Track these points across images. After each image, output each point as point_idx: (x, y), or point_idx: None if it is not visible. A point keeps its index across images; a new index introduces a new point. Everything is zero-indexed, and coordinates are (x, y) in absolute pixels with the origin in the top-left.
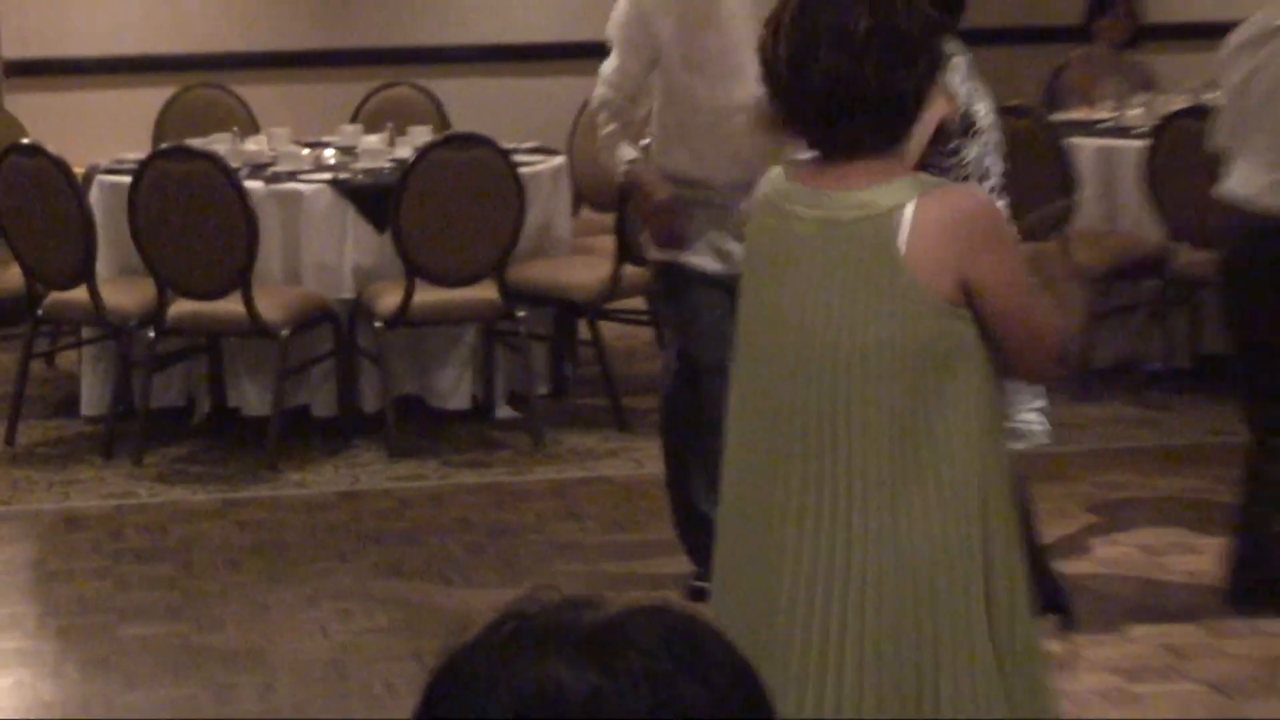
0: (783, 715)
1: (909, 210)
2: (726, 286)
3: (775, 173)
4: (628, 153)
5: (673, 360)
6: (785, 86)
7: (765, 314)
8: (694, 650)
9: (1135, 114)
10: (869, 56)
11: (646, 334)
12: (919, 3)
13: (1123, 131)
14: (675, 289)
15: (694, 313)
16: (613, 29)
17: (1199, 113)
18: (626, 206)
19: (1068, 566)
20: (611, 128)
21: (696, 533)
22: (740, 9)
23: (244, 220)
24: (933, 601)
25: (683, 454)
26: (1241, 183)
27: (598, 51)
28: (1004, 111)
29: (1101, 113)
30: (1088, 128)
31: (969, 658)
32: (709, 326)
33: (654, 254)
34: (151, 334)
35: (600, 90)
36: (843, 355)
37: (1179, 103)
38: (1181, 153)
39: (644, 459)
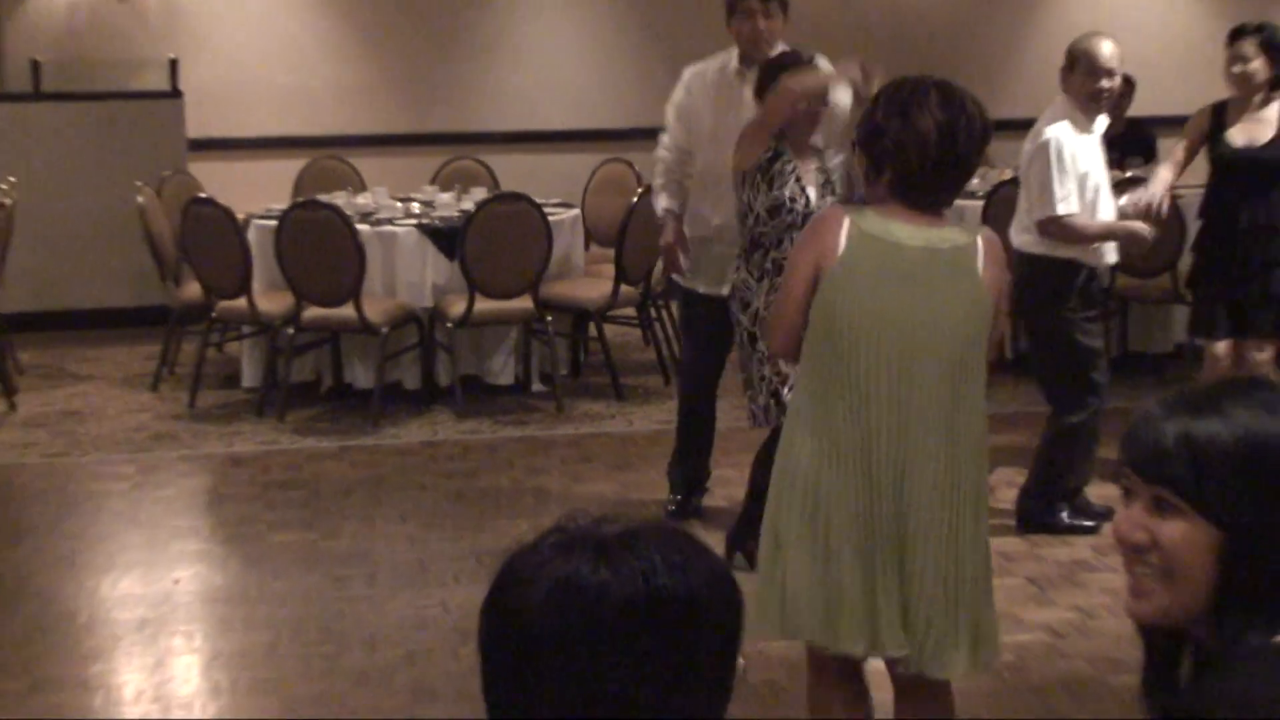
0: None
1: (980, 244)
2: (718, 303)
3: (864, 212)
4: (663, 201)
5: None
6: (934, 160)
7: (867, 307)
8: (681, 556)
9: (975, 184)
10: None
11: (636, 333)
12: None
13: (970, 194)
14: (682, 305)
15: (689, 322)
16: (670, 107)
17: (1016, 183)
18: (624, 244)
19: None
20: (660, 181)
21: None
22: (751, 99)
23: (355, 252)
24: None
25: (688, 415)
26: (1015, 234)
27: (604, 136)
28: None
29: None
30: None
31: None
32: (700, 331)
33: (674, 278)
34: (290, 330)
35: (658, 152)
36: (945, 341)
37: (1005, 175)
38: (1006, 210)
39: (634, 419)
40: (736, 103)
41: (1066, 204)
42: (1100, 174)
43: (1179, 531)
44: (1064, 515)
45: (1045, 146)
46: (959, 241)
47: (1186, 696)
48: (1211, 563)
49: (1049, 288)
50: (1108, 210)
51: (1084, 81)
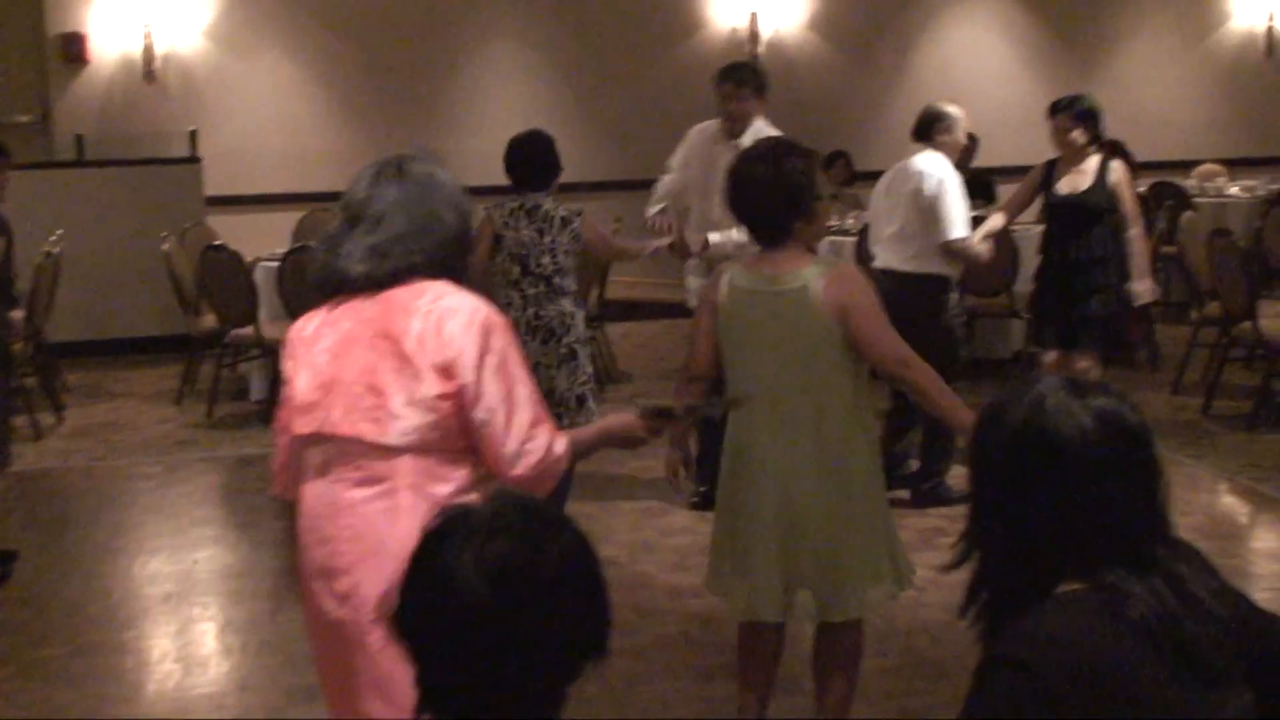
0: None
1: (823, 280)
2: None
3: (738, 267)
4: (654, 209)
5: None
6: (731, 207)
7: (738, 340)
8: (549, 528)
9: (850, 223)
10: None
11: None
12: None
13: (844, 232)
14: None
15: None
16: (675, 155)
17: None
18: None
19: None
20: (658, 205)
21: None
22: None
23: None
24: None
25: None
26: (885, 257)
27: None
28: None
29: (833, 221)
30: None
31: None
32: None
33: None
34: None
35: (661, 179)
36: (798, 360)
37: None
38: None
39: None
40: (717, 163)
41: (961, 228)
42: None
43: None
44: (951, 488)
45: (944, 184)
46: (803, 280)
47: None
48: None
49: (930, 298)
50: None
51: (954, 138)
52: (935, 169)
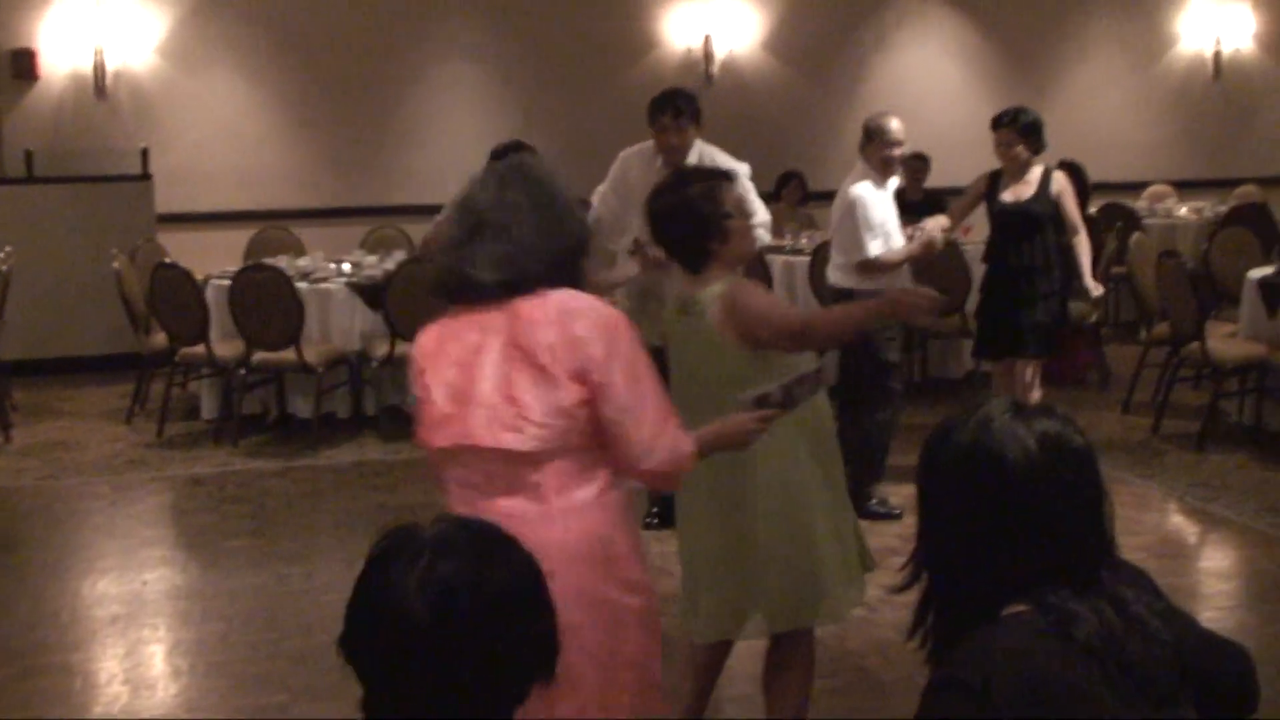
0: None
1: (717, 299)
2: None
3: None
4: (622, 242)
5: None
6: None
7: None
8: (495, 550)
9: (804, 243)
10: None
11: None
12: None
13: (797, 251)
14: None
15: None
16: (606, 183)
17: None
18: None
19: None
20: (628, 238)
21: None
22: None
23: (295, 305)
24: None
25: None
26: (830, 273)
27: None
28: None
29: (786, 241)
30: (779, 250)
31: None
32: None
33: None
34: (242, 371)
35: (595, 206)
36: (707, 373)
37: (826, 237)
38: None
39: None
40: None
41: (874, 247)
42: (894, 222)
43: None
44: (873, 504)
45: (853, 205)
46: (705, 298)
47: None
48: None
49: None
50: (899, 245)
51: (878, 150)
52: (852, 186)
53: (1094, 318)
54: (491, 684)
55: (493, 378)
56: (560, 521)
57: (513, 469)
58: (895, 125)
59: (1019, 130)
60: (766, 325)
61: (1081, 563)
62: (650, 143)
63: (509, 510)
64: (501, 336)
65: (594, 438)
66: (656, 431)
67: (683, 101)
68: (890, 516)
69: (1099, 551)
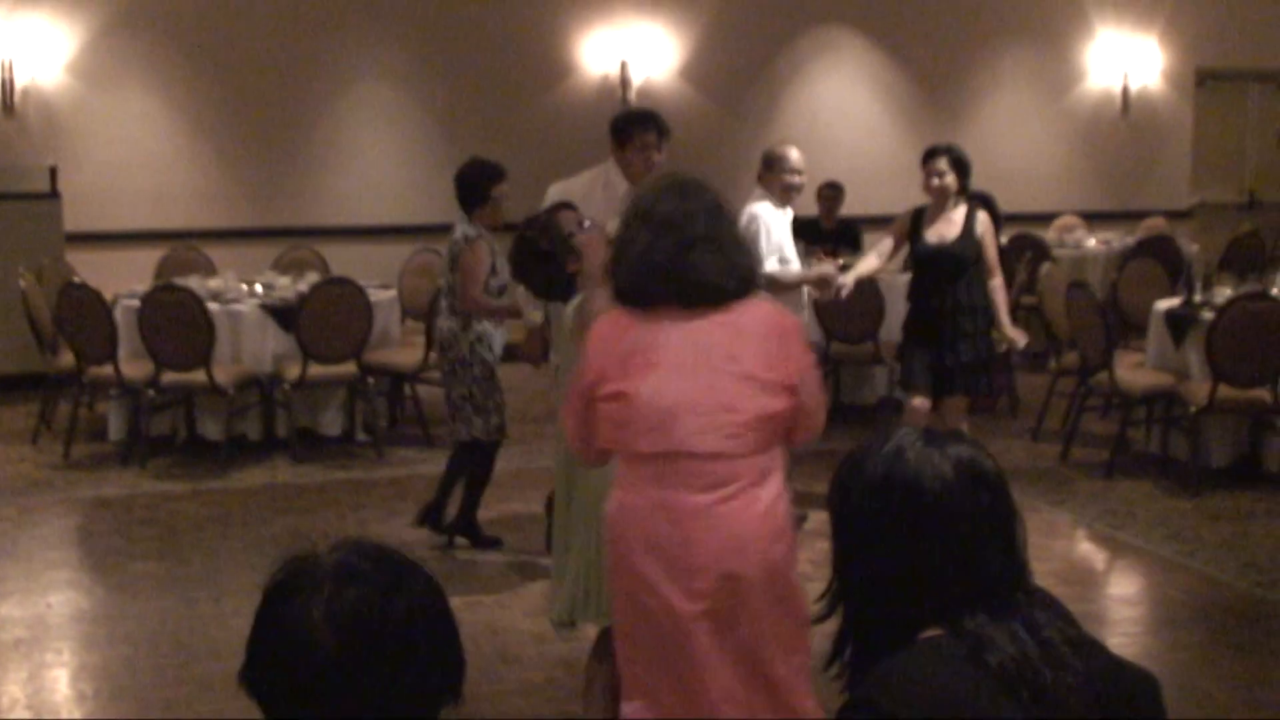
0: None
1: None
2: None
3: None
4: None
5: None
6: None
7: None
8: (398, 574)
9: None
10: None
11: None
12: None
13: None
14: None
15: None
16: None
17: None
18: (432, 318)
19: None
20: None
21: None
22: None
23: (206, 326)
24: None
25: None
26: None
27: (416, 230)
28: None
29: None
30: None
31: None
32: None
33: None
34: (151, 392)
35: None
36: None
37: None
38: None
39: (441, 462)
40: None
41: (770, 263)
42: (790, 246)
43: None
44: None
45: (752, 219)
46: (567, 312)
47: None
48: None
49: None
50: (795, 267)
51: (778, 177)
52: (751, 204)
53: (1003, 347)
54: (400, 710)
55: (709, 387)
56: (763, 507)
57: (718, 466)
58: (795, 154)
59: (952, 162)
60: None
61: (997, 588)
62: (585, 177)
63: (707, 503)
64: (717, 349)
65: (783, 433)
66: (819, 402)
67: (663, 123)
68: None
69: (1014, 576)
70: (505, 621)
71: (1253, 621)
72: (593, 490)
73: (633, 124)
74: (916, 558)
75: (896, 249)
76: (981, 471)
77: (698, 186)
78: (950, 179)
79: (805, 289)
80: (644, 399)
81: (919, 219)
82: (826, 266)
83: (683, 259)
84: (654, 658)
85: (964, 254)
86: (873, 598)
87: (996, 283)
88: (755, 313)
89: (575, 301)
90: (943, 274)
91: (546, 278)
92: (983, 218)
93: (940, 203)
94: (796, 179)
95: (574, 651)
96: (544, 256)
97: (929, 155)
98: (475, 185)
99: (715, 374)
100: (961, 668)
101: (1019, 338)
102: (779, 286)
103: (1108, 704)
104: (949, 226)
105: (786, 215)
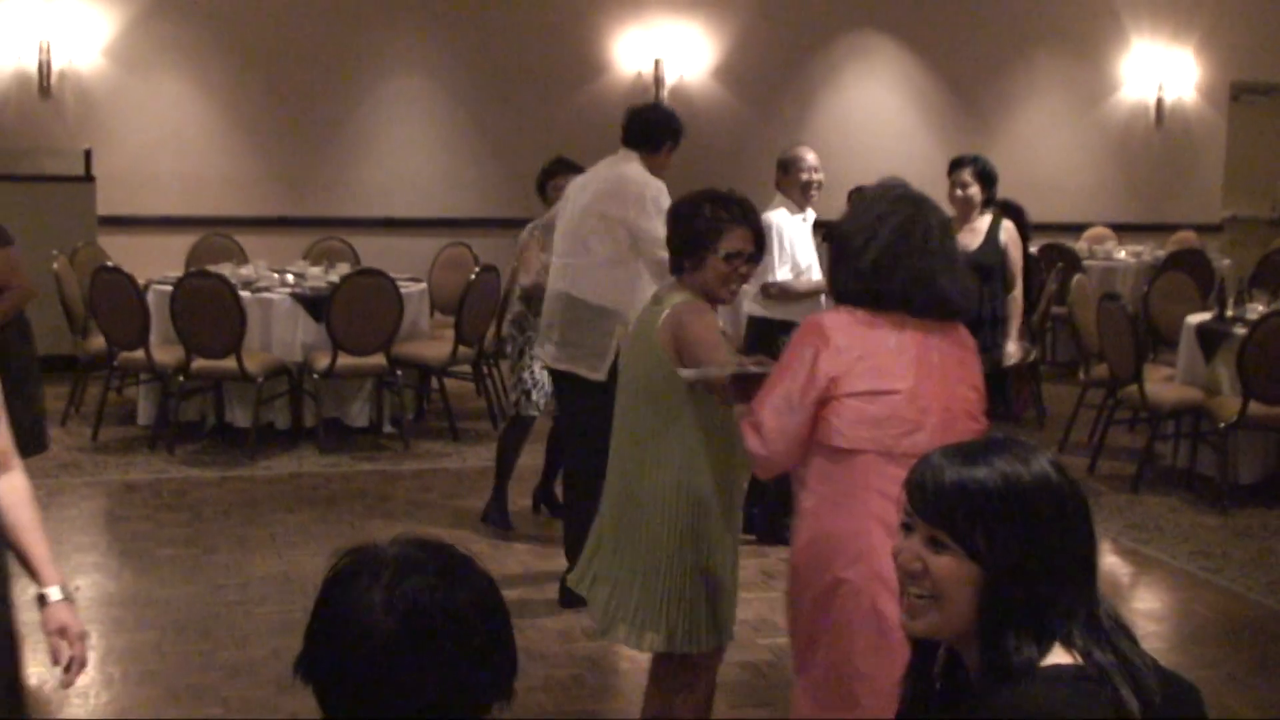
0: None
1: (666, 311)
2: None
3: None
4: None
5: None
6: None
7: None
8: (458, 568)
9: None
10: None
11: (470, 386)
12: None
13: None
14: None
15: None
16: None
17: None
18: (462, 312)
19: None
20: None
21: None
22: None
23: (238, 313)
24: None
25: None
26: (745, 304)
27: (448, 223)
28: None
29: None
30: None
31: None
32: None
33: None
34: (181, 378)
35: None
36: (638, 377)
37: None
38: None
39: (467, 457)
40: None
41: (782, 272)
42: (808, 253)
43: (948, 565)
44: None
45: (769, 229)
46: (660, 307)
47: (968, 708)
48: (972, 593)
49: (773, 341)
50: (815, 276)
51: (796, 179)
52: (767, 213)
53: (1033, 357)
54: (454, 704)
55: (952, 394)
56: None
57: None
58: (811, 154)
59: (976, 174)
60: (692, 358)
61: (1092, 596)
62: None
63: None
64: (952, 355)
65: None
66: None
67: None
68: None
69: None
70: (530, 617)
71: (1278, 639)
72: (658, 501)
73: (678, 131)
74: (1061, 555)
75: None
76: (1067, 472)
77: (926, 198)
78: (974, 190)
79: (822, 296)
80: (905, 398)
81: None
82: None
83: (928, 269)
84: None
85: (988, 263)
86: (1011, 608)
87: (1014, 294)
88: (965, 331)
89: (675, 298)
90: None
91: (676, 242)
92: (1008, 226)
93: (965, 214)
94: (815, 175)
95: (600, 650)
96: (695, 231)
97: (954, 166)
98: (542, 180)
99: (958, 384)
100: (1101, 707)
101: (1016, 353)
102: (791, 295)
103: (1166, 716)
104: (973, 236)
105: (807, 221)
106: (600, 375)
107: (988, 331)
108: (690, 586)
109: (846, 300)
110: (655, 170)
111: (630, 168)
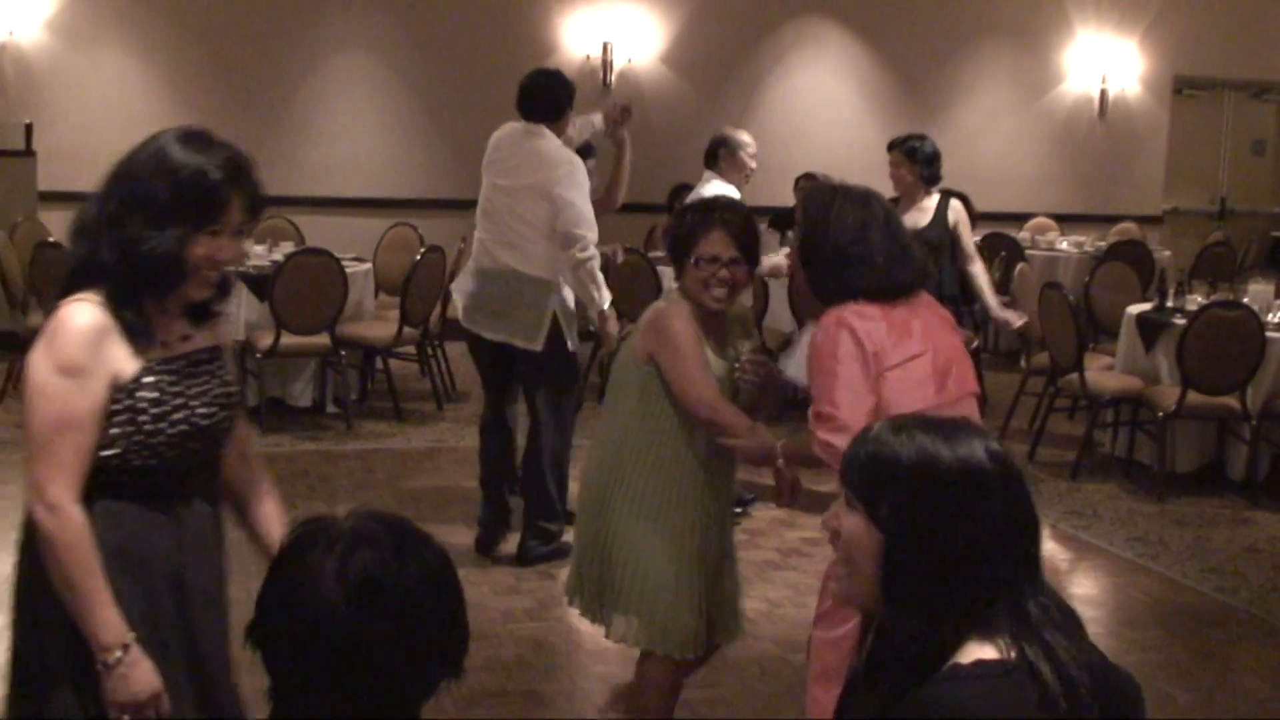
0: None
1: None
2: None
3: None
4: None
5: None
6: None
7: None
8: (411, 542)
9: None
10: None
11: (414, 366)
12: None
13: None
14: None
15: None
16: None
17: None
18: (407, 292)
19: None
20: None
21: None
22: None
23: None
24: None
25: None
26: None
27: (393, 204)
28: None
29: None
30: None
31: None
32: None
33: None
34: None
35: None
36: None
37: None
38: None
39: (412, 438)
40: None
41: None
42: None
43: (856, 527)
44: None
45: None
46: (659, 302)
47: (880, 702)
48: (875, 562)
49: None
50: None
51: (740, 162)
52: (712, 187)
53: (974, 344)
54: (403, 676)
55: (953, 345)
56: None
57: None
58: (751, 138)
59: (904, 154)
60: (670, 373)
61: (1018, 587)
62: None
63: None
64: (937, 315)
65: None
66: None
67: None
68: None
69: (1037, 568)
70: (474, 598)
71: (1213, 626)
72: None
73: (573, 93)
74: (974, 540)
75: None
76: (1009, 456)
77: (870, 189)
78: (903, 170)
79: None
80: (932, 355)
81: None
82: (778, 258)
83: (910, 249)
84: None
85: (935, 239)
86: (924, 598)
87: (977, 268)
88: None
89: (659, 304)
90: None
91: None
92: (955, 205)
93: (910, 194)
94: (754, 163)
95: (542, 630)
96: (675, 239)
97: (889, 148)
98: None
99: (952, 334)
100: (1024, 706)
101: (1014, 318)
102: None
103: (1104, 705)
104: (921, 215)
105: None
106: (536, 345)
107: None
108: (657, 581)
109: (860, 296)
110: (560, 135)
111: (548, 143)
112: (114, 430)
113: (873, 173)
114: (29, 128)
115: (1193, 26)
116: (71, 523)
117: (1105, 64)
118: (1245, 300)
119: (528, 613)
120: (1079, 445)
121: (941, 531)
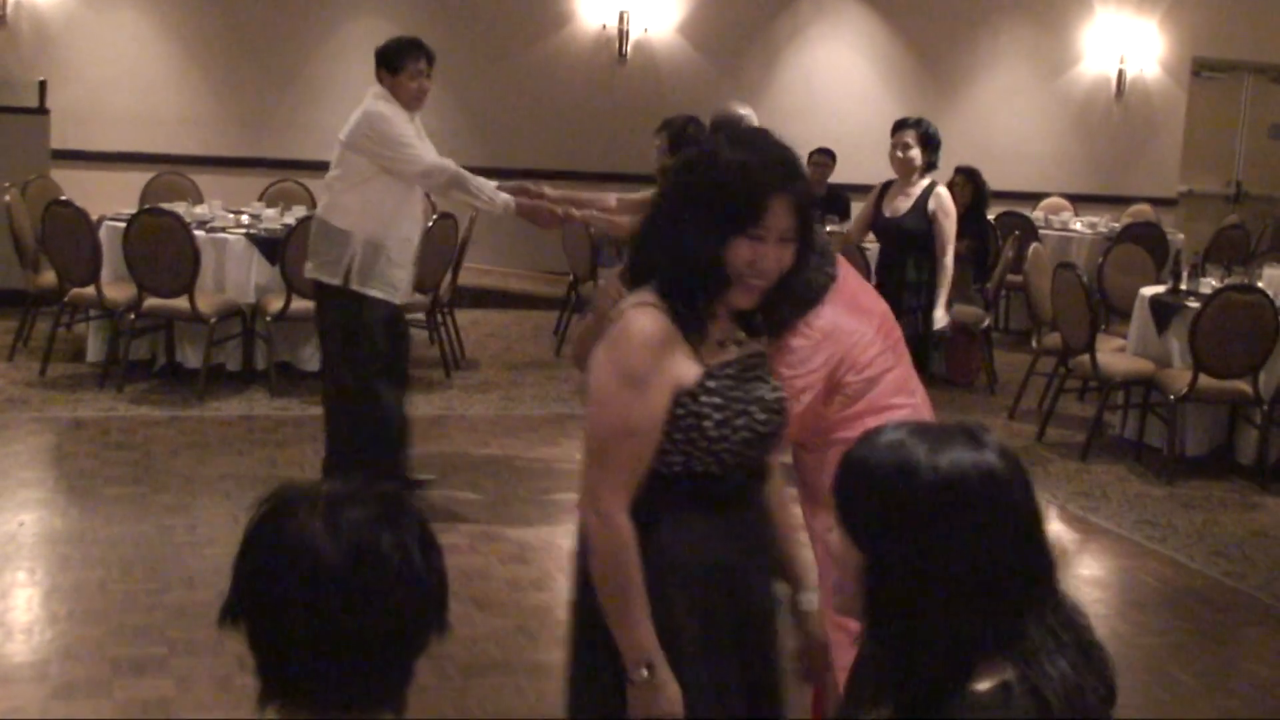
0: None
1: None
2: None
3: None
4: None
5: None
6: None
7: None
8: (390, 501)
9: None
10: None
11: (424, 333)
12: None
13: None
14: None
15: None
16: (407, 134)
17: None
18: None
19: None
20: (490, 183)
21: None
22: None
23: (191, 253)
24: None
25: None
26: None
27: None
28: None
29: None
30: None
31: None
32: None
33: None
34: (132, 316)
35: (453, 169)
36: None
37: None
38: None
39: (419, 404)
40: None
41: None
42: None
43: (841, 543)
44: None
45: None
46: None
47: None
48: (856, 579)
49: None
50: None
51: None
52: None
53: (985, 323)
54: (394, 631)
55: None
56: None
57: None
58: (752, 111)
59: (920, 136)
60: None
61: (1045, 588)
62: (383, 102)
63: None
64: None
65: None
66: None
67: (429, 49)
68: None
69: (1050, 575)
70: (480, 567)
71: (1221, 609)
72: None
73: (405, 52)
74: (981, 560)
75: (868, 220)
76: (1018, 460)
77: None
78: (915, 153)
79: None
80: (879, 321)
81: (884, 193)
82: None
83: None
84: None
85: (909, 228)
86: (928, 621)
87: (945, 262)
88: None
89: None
90: (894, 247)
91: None
92: (940, 194)
93: (905, 176)
94: None
95: (548, 600)
96: None
97: (898, 127)
98: None
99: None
100: None
101: (942, 319)
102: None
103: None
104: (903, 200)
105: None
106: (337, 279)
107: (910, 295)
108: None
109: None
110: (398, 92)
111: (366, 100)
112: (677, 436)
113: (885, 148)
114: (43, 85)
115: (1213, 8)
116: (618, 533)
117: (1124, 44)
118: (1260, 284)
119: (534, 583)
120: (1089, 427)
121: (920, 552)
